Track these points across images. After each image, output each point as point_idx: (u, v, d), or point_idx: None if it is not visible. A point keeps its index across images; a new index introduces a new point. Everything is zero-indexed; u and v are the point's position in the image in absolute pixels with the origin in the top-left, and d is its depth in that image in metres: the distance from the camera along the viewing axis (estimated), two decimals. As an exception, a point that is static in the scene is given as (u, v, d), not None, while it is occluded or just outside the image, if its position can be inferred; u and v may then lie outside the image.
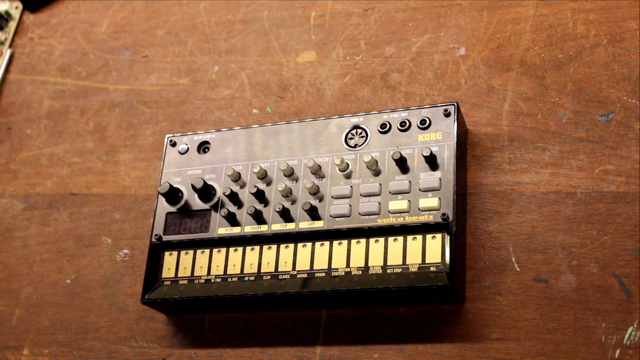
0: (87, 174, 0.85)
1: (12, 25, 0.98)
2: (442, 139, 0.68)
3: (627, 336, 0.60)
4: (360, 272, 0.66)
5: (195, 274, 0.71)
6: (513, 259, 0.65)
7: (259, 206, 0.71)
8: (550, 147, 0.68)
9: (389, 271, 0.65)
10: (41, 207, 0.85)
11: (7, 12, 0.98)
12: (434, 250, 0.65)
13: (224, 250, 0.71)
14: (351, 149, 0.70)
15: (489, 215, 0.68)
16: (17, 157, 0.90)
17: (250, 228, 0.70)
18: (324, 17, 0.83)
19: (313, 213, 0.68)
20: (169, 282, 0.71)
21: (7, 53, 0.96)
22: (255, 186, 0.71)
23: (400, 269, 0.65)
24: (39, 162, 0.88)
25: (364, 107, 0.77)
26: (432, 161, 0.67)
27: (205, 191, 0.72)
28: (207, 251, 0.71)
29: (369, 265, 0.66)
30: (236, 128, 0.75)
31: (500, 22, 0.75)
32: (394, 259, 0.65)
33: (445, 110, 0.68)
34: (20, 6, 0.99)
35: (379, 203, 0.67)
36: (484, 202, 0.68)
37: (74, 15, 0.96)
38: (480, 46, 0.75)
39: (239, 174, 0.72)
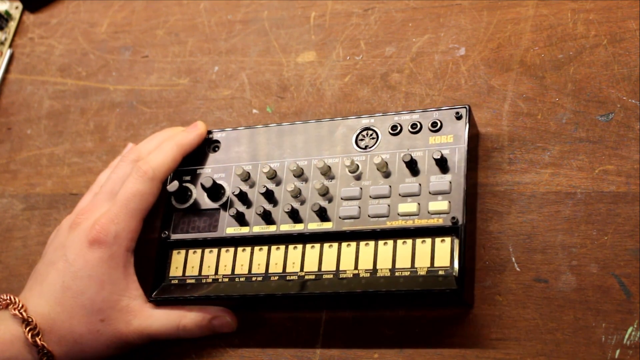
0: (87, 174, 0.85)
1: (12, 25, 0.98)
2: (453, 142, 0.67)
3: (627, 336, 0.60)
4: (369, 275, 0.65)
5: (203, 273, 0.71)
6: (513, 259, 0.65)
7: (268, 206, 0.70)
8: (550, 147, 0.68)
9: (397, 274, 0.65)
10: (41, 207, 0.85)
11: (7, 12, 0.98)
12: (443, 253, 0.64)
13: (232, 250, 0.71)
14: (361, 150, 0.70)
15: (489, 215, 0.68)
16: (17, 157, 0.90)
17: (259, 228, 0.70)
18: (324, 17, 0.83)
19: (322, 214, 0.68)
20: (176, 281, 0.71)
21: (7, 53, 0.96)
22: (265, 186, 0.70)
23: (409, 272, 0.64)
24: (39, 162, 0.88)
25: (364, 107, 0.77)
26: (442, 164, 0.66)
27: (214, 190, 0.72)
28: (215, 250, 0.71)
29: (377, 267, 0.65)
30: (246, 128, 0.75)
31: (500, 22, 0.75)
32: (403, 262, 0.65)
33: (457, 113, 0.68)
34: (20, 6, 0.99)
35: (389, 205, 0.67)
36: (484, 202, 0.68)
37: (74, 16, 0.96)
38: (480, 46, 0.75)
39: (249, 173, 0.72)
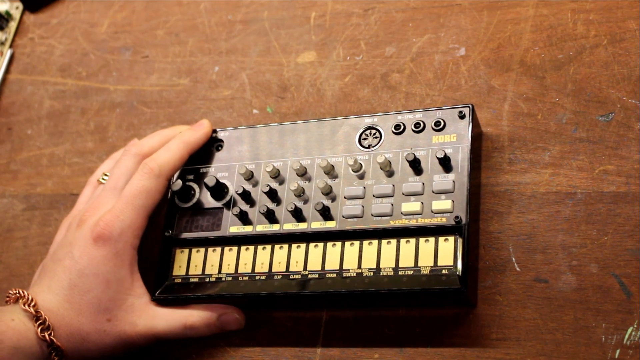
0: (87, 174, 0.85)
1: (13, 25, 0.98)
2: (456, 141, 0.67)
3: (627, 336, 0.60)
4: (372, 274, 0.65)
5: (207, 272, 0.71)
6: (513, 259, 0.66)
7: (271, 205, 0.70)
8: (550, 147, 0.68)
9: (400, 273, 0.65)
10: (42, 207, 0.86)
11: (7, 13, 0.98)
12: (446, 253, 0.64)
13: (235, 249, 0.71)
14: (365, 149, 0.70)
15: (489, 215, 0.68)
16: (18, 158, 0.90)
17: (262, 227, 0.70)
18: (324, 18, 0.83)
19: (325, 213, 0.68)
20: (180, 280, 0.71)
21: (8, 53, 0.96)
22: (268, 185, 0.70)
23: (412, 272, 0.64)
24: (39, 162, 0.88)
25: (365, 108, 0.77)
26: (446, 163, 0.66)
27: (218, 189, 0.72)
28: (219, 249, 0.71)
29: (381, 266, 0.65)
30: (250, 127, 0.75)
31: (500, 22, 0.75)
32: (406, 261, 0.65)
33: (460, 112, 0.68)
34: (21, 6, 0.99)
35: (392, 204, 0.67)
36: (484, 202, 0.68)
37: (74, 16, 0.96)
38: (480, 46, 0.75)
39: (252, 172, 0.72)
